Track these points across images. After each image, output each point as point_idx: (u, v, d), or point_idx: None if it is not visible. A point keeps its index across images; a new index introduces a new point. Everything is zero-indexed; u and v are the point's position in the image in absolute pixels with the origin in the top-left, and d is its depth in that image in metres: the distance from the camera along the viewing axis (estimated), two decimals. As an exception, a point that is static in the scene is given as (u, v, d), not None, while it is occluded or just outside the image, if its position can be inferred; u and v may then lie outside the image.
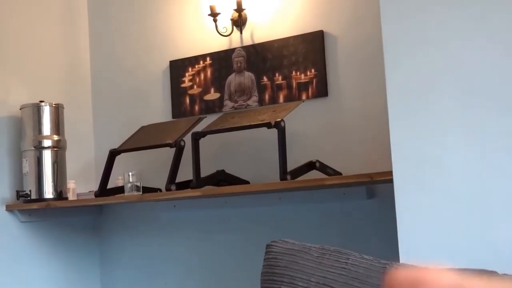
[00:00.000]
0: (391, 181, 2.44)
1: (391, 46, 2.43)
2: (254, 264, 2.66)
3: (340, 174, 3.20)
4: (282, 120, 3.14)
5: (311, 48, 3.51)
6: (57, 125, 3.82)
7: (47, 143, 3.76)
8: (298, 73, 3.53)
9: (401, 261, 2.33)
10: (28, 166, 3.75)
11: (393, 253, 2.41)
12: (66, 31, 4.24)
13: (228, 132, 3.43)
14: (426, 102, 2.38)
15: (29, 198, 3.71)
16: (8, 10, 3.94)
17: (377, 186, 3.29)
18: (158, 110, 4.02)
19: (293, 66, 3.55)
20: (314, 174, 3.20)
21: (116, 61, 4.24)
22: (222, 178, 3.43)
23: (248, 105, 3.67)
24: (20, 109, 3.82)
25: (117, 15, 4.25)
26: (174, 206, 3.91)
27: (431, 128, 2.39)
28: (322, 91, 3.47)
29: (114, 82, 4.25)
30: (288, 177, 3.05)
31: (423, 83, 2.38)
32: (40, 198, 3.72)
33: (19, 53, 3.98)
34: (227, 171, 3.46)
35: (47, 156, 3.76)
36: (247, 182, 3.45)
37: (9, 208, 3.80)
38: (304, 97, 3.50)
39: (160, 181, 3.56)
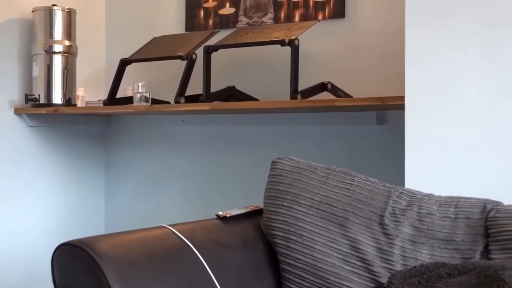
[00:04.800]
0: (402, 107, 2.42)
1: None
2: (259, 181, 2.65)
3: (350, 97, 3.17)
4: (296, 38, 3.09)
5: (330, -34, 3.42)
6: (69, 31, 3.78)
7: (58, 48, 3.74)
8: (316, -8, 3.46)
9: (406, 186, 2.33)
10: (38, 70, 3.74)
11: (399, 179, 2.41)
12: None
13: (240, 47, 3.39)
14: (445, 25, 2.32)
15: (37, 102, 3.71)
16: None
17: (388, 113, 3.25)
18: (172, 22, 3.97)
19: (311, -16, 3.48)
20: (325, 96, 3.17)
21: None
22: (232, 94, 3.40)
23: (263, 21, 3.61)
24: (32, 11, 3.78)
25: None
26: (183, 120, 3.90)
27: (448, 55, 2.34)
28: (339, 11, 3.40)
29: (131, 23, 4.19)
30: (298, 96, 3.03)
31: (444, 5, 2.32)
32: (49, 103, 3.71)
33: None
34: (238, 87, 3.43)
35: (58, 61, 3.74)
36: (256, 100, 3.42)
37: (18, 112, 3.81)
38: (320, 17, 3.44)
39: (169, 94, 3.53)
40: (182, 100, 3.31)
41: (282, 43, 3.12)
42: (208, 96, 3.27)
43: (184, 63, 3.39)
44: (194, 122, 3.87)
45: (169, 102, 3.58)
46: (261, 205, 2.30)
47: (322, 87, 3.16)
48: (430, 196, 2.09)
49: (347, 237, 2.03)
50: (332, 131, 3.41)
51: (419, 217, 2.01)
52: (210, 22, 3.80)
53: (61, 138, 4.04)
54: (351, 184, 2.13)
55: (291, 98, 3.04)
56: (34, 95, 3.72)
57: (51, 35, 3.74)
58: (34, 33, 3.77)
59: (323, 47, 3.43)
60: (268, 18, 3.60)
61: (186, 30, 3.88)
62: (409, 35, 2.40)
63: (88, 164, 4.19)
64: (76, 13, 3.84)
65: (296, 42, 3.09)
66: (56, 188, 4.02)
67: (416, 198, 2.07)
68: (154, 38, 3.79)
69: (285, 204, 2.15)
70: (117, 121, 4.24)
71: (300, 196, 2.15)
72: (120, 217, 4.22)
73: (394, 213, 2.04)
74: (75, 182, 4.12)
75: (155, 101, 3.53)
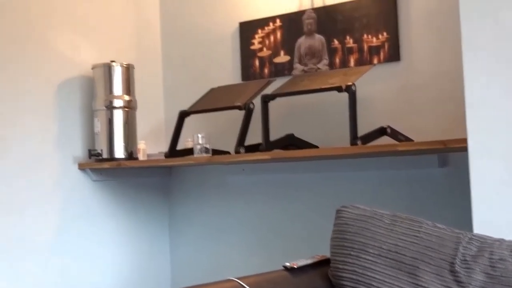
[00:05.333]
0: (465, 149, 2.39)
1: (468, 8, 2.35)
2: (322, 229, 2.64)
3: (411, 140, 3.14)
4: (353, 84, 3.10)
5: (383, 10, 3.43)
6: (128, 85, 3.84)
7: (118, 103, 3.80)
8: (369, 36, 3.47)
9: (474, 231, 2.29)
10: (99, 126, 3.79)
11: (466, 224, 2.37)
12: (136, -9, 4.27)
13: (298, 95, 3.39)
14: (506, 65, 2.29)
15: (100, 157, 3.76)
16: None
17: (450, 155, 3.22)
18: (228, 72, 4.01)
19: (365, 29, 3.49)
20: (384, 140, 3.15)
21: (186, 22, 4.24)
22: (291, 142, 3.41)
23: (318, 68, 3.63)
24: (92, 69, 3.86)
25: (188, -24, 4.23)
26: (243, 169, 3.91)
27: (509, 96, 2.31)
28: (394, 55, 3.41)
29: (184, 43, 4.25)
30: (359, 142, 3.02)
31: (504, 47, 2.30)
32: (112, 158, 3.76)
33: (90, 13, 4.01)
34: (296, 135, 3.43)
35: (118, 116, 3.79)
36: (316, 147, 3.42)
37: (82, 167, 3.86)
38: (375, 61, 3.44)
39: (228, 144, 3.56)
40: (242, 150, 3.32)
41: (339, 89, 3.12)
42: (267, 145, 3.28)
43: (242, 113, 3.42)
44: (254, 171, 3.87)
45: (229, 152, 3.59)
46: (327, 255, 2.28)
47: (381, 131, 3.15)
48: (501, 241, 2.04)
49: (417, 285, 2.00)
50: (393, 176, 3.38)
51: (491, 263, 1.97)
52: (266, 70, 3.83)
53: (124, 191, 4.08)
54: (419, 231, 2.11)
55: (351, 144, 3.03)
56: (97, 150, 3.77)
57: (111, 90, 3.80)
58: (95, 89, 3.84)
59: (380, 91, 3.42)
60: (323, 64, 3.61)
61: (242, 80, 3.92)
62: (468, 77, 2.37)
63: (151, 216, 4.22)
64: (134, 68, 3.90)
65: (353, 87, 3.09)
66: (121, 242, 4.05)
67: (486, 244, 2.03)
68: (212, 89, 3.83)
69: (352, 253, 2.13)
70: (179, 172, 4.27)
71: (368, 244, 2.12)
72: (185, 268, 4.22)
73: (465, 260, 2.00)
74: (139, 235, 4.15)
75: (215, 152, 3.55)
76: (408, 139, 3.15)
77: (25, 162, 3.64)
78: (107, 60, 3.83)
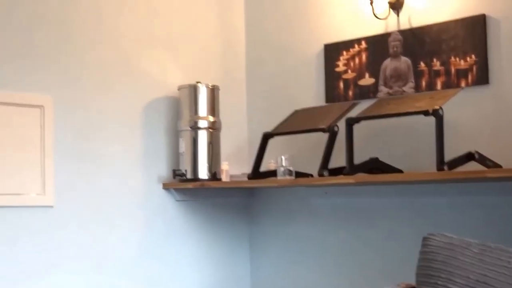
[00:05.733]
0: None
1: None
2: (406, 256, 2.60)
3: (500, 166, 3.07)
4: (440, 107, 3.04)
5: (471, 32, 3.37)
6: (213, 107, 3.88)
7: (203, 124, 3.83)
8: (457, 59, 3.41)
9: None
10: (184, 146, 3.84)
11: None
12: (221, 12, 4.30)
13: (383, 118, 3.36)
14: None
15: (185, 177, 3.80)
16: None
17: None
18: (312, 94, 4.00)
19: (452, 52, 3.43)
20: (472, 166, 3.09)
21: (271, 44, 4.26)
22: (375, 166, 3.37)
23: (403, 91, 3.59)
24: (178, 89, 3.91)
25: (273, -3, 4.26)
26: (326, 192, 3.89)
27: None
28: (482, 78, 3.33)
29: (268, 65, 4.27)
30: (445, 167, 2.96)
31: None
32: (195, 178, 3.80)
33: (176, 35, 4.08)
34: (381, 158, 3.39)
35: (203, 136, 3.83)
36: (400, 171, 3.37)
37: (166, 186, 3.91)
38: (463, 84, 3.37)
39: (311, 166, 3.55)
40: (326, 173, 3.31)
41: (425, 113, 3.08)
42: (351, 168, 3.25)
43: (325, 135, 3.41)
44: (337, 193, 3.84)
45: (312, 175, 3.58)
46: (412, 283, 2.25)
47: (469, 156, 3.08)
48: None
49: (507, 318, 1.95)
50: (481, 202, 3.30)
51: None
52: (350, 93, 3.80)
53: (206, 212, 4.11)
54: (509, 261, 2.05)
55: (437, 170, 2.97)
56: (181, 170, 3.81)
57: (196, 111, 3.84)
58: (180, 109, 3.90)
59: (467, 115, 3.35)
60: (409, 87, 3.57)
61: (326, 102, 3.91)
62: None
63: (233, 237, 4.23)
64: (219, 90, 3.94)
65: (440, 111, 3.04)
66: (202, 261, 4.07)
67: None
68: (295, 111, 3.84)
69: (439, 282, 2.09)
70: (261, 193, 4.27)
71: (455, 274, 2.08)
72: (265, 288, 4.24)
73: (558, 294, 1.93)
74: (220, 255, 4.16)
75: (298, 174, 3.54)
76: (496, 165, 3.07)
77: (113, 181, 3.75)
78: (193, 81, 3.88)
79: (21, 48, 3.45)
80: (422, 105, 3.16)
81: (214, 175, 3.84)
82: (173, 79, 3.99)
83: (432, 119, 3.05)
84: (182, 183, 3.85)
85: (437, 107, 3.05)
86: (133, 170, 3.83)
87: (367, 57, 3.75)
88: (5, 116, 3.36)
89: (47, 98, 3.50)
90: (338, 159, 3.38)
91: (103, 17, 3.77)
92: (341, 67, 3.86)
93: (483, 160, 3.07)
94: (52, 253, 3.49)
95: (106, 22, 3.78)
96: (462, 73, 3.39)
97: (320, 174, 3.31)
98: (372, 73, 3.72)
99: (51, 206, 3.49)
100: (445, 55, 3.45)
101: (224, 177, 3.91)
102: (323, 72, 3.95)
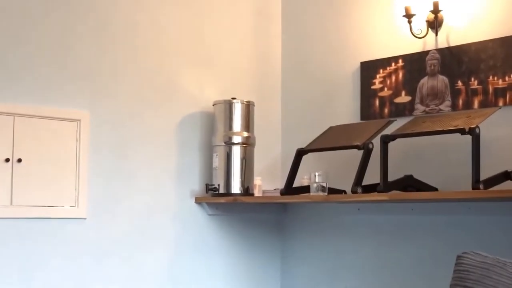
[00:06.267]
0: None
1: None
2: (440, 274, 2.57)
3: (537, 186, 3.03)
4: (477, 126, 3.02)
5: (511, 52, 3.33)
6: (247, 122, 3.90)
7: (237, 139, 3.86)
8: (495, 78, 3.37)
9: None
10: (218, 161, 3.86)
11: None
12: (258, 28, 4.32)
13: (418, 136, 3.34)
14: None
15: (217, 192, 3.82)
16: (202, 8, 4.09)
17: None
18: (347, 111, 3.99)
19: (490, 71, 3.39)
20: (509, 185, 3.05)
21: (307, 60, 4.26)
22: (409, 183, 3.34)
23: (440, 109, 3.56)
24: (213, 105, 3.94)
25: (310, 13, 4.26)
26: (358, 209, 3.86)
27: None
28: (521, 98, 3.30)
29: (304, 81, 4.27)
30: (481, 186, 2.93)
31: None
32: (228, 193, 3.82)
33: (213, 50, 4.11)
34: (415, 176, 3.37)
35: (236, 152, 3.86)
36: (435, 189, 3.35)
37: (198, 201, 3.93)
38: (501, 103, 3.34)
39: (345, 183, 3.53)
40: (359, 190, 3.29)
41: (462, 131, 3.05)
42: (385, 186, 3.23)
43: (360, 152, 3.39)
44: (370, 211, 3.82)
45: (345, 192, 3.57)
46: (446, 301, 2.23)
47: (505, 175, 3.05)
48: None
49: None
50: (518, 221, 3.26)
51: None
52: (386, 110, 3.79)
53: (238, 227, 4.11)
54: (545, 282, 2.01)
55: (473, 188, 2.95)
56: (214, 185, 3.83)
57: (230, 127, 3.87)
58: (215, 125, 3.92)
59: (504, 134, 3.31)
60: (445, 106, 3.54)
61: (361, 119, 3.89)
62: None
63: (264, 252, 4.21)
64: (254, 106, 3.96)
65: (477, 130, 3.01)
66: (232, 277, 4.07)
67: None
68: (330, 128, 3.83)
69: (473, 301, 2.06)
70: (293, 209, 4.25)
71: (489, 293, 2.05)
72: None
73: None
74: (251, 271, 4.15)
75: (331, 191, 3.53)
76: (533, 185, 3.03)
77: (146, 195, 3.78)
78: (228, 97, 3.91)
79: (59, 62, 3.52)
80: (459, 123, 3.14)
81: (247, 190, 3.86)
82: (208, 95, 4.02)
83: (468, 138, 3.04)
84: (214, 197, 3.87)
85: (474, 125, 3.03)
86: (167, 185, 3.86)
87: (404, 75, 3.73)
88: (43, 129, 3.43)
89: (84, 113, 3.56)
90: (372, 176, 3.36)
91: (140, 32, 3.82)
92: (377, 84, 3.84)
93: (520, 179, 3.03)
94: (84, 265, 3.53)
95: (143, 36, 3.83)
96: (500, 92, 3.35)
97: (354, 191, 3.30)
98: (409, 91, 3.70)
99: (84, 218, 3.53)
100: (483, 74, 3.42)
101: (257, 192, 3.93)
102: (359, 89, 3.93)
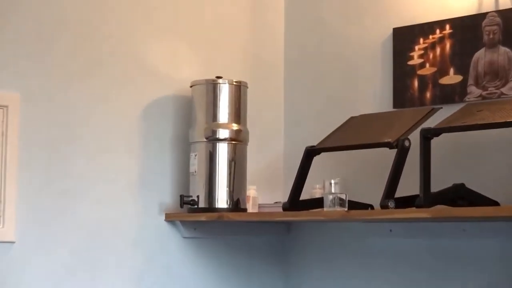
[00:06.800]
0: None
1: None
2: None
3: None
4: (555, 117, 2.99)
5: None
6: (238, 110, 3.88)
7: (223, 133, 3.82)
8: None
9: None
10: (197, 163, 3.82)
11: None
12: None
13: (472, 130, 3.30)
14: None
15: (196, 206, 3.78)
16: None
17: None
18: (374, 95, 4.01)
19: None
20: None
21: (318, 26, 4.28)
22: (459, 195, 3.29)
23: (502, 93, 3.53)
24: (191, 86, 3.90)
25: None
26: (390, 230, 3.84)
27: None
28: None
29: (315, 56, 4.28)
30: (561, 199, 2.85)
31: None
32: (211, 208, 3.78)
33: (192, 13, 4.12)
34: (467, 185, 3.31)
35: (223, 151, 3.82)
36: (496, 203, 3.28)
37: (170, 218, 3.91)
38: None
39: (371, 194, 3.52)
40: (391, 204, 3.22)
41: (533, 124, 3.04)
42: (427, 198, 3.15)
43: (392, 152, 3.33)
44: (407, 232, 3.79)
45: (371, 206, 3.54)
46: None
47: None
48: None
49: None
50: None
51: None
52: (428, 95, 3.76)
53: (225, 254, 4.11)
54: None
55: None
56: (191, 196, 3.78)
57: (214, 116, 3.83)
58: (193, 114, 3.89)
59: None
60: (508, 89, 3.51)
61: (394, 107, 3.88)
62: None
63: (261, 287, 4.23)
64: (247, 88, 3.90)
65: (556, 122, 2.98)
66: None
67: None
68: (351, 119, 3.80)
69: None
70: (300, 230, 4.26)
71: None
72: None
73: None
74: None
75: (352, 205, 3.46)
76: None
77: (97, 209, 3.75)
78: (212, 76, 3.86)
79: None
80: (529, 112, 3.13)
81: (237, 204, 3.82)
82: (184, 73, 3.99)
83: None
84: (192, 214, 3.83)
85: (551, 115, 3.00)
86: (126, 196, 3.85)
87: (452, 46, 3.72)
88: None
89: (13, 96, 3.53)
90: (408, 186, 3.31)
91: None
92: (416, 59, 3.83)
93: None
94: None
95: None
96: None
97: (384, 206, 3.22)
98: (459, 69, 3.68)
99: (12, 242, 3.50)
100: (560, 44, 3.44)
101: (251, 207, 3.91)
102: (391, 66, 3.93)
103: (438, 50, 3.75)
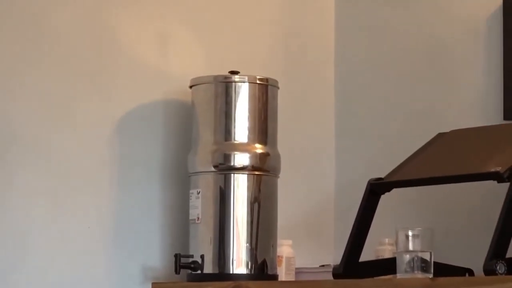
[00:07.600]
0: None
1: None
2: None
3: None
4: None
5: None
6: (264, 124, 3.83)
7: (241, 159, 3.79)
8: None
9: None
10: (201, 206, 3.78)
11: None
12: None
13: None
14: None
15: (199, 271, 3.75)
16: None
17: None
18: (473, 100, 4.04)
19: None
20: None
21: (385, 9, 4.42)
22: None
23: None
24: (191, 87, 3.90)
25: None
26: (503, 306, 3.73)
27: None
28: None
29: (380, 46, 4.42)
30: None
31: None
32: (222, 274, 3.74)
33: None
34: None
35: (241, 187, 3.79)
36: None
37: (158, 290, 3.94)
38: None
39: (469, 253, 3.61)
40: (501, 268, 3.13)
41: None
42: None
43: (501, 188, 3.26)
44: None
45: (471, 272, 3.52)
46: None
47: None
48: None
49: None
50: None
51: None
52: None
53: None
54: None
55: None
56: (192, 256, 3.75)
57: (227, 133, 3.79)
58: (194, 129, 3.87)
59: None
60: None
61: (504, 119, 3.84)
62: None
63: None
64: (278, 88, 3.87)
65: None
66: None
67: None
68: (439, 136, 3.77)
69: None
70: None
71: None
72: None
73: None
74: None
75: (439, 269, 3.41)
76: None
77: (55, 269, 3.79)
78: (222, 71, 3.86)
79: None
80: None
81: (263, 269, 3.76)
82: (181, 67, 4.05)
83: None
84: (194, 283, 3.79)
85: None
86: (95, 254, 3.90)
87: None
88: None
89: None
90: None
91: None
92: None
93: None
94: None
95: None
96: None
97: (489, 271, 3.14)
98: None
99: None
100: None
101: (285, 273, 3.92)
102: (500, 55, 3.91)
103: None
